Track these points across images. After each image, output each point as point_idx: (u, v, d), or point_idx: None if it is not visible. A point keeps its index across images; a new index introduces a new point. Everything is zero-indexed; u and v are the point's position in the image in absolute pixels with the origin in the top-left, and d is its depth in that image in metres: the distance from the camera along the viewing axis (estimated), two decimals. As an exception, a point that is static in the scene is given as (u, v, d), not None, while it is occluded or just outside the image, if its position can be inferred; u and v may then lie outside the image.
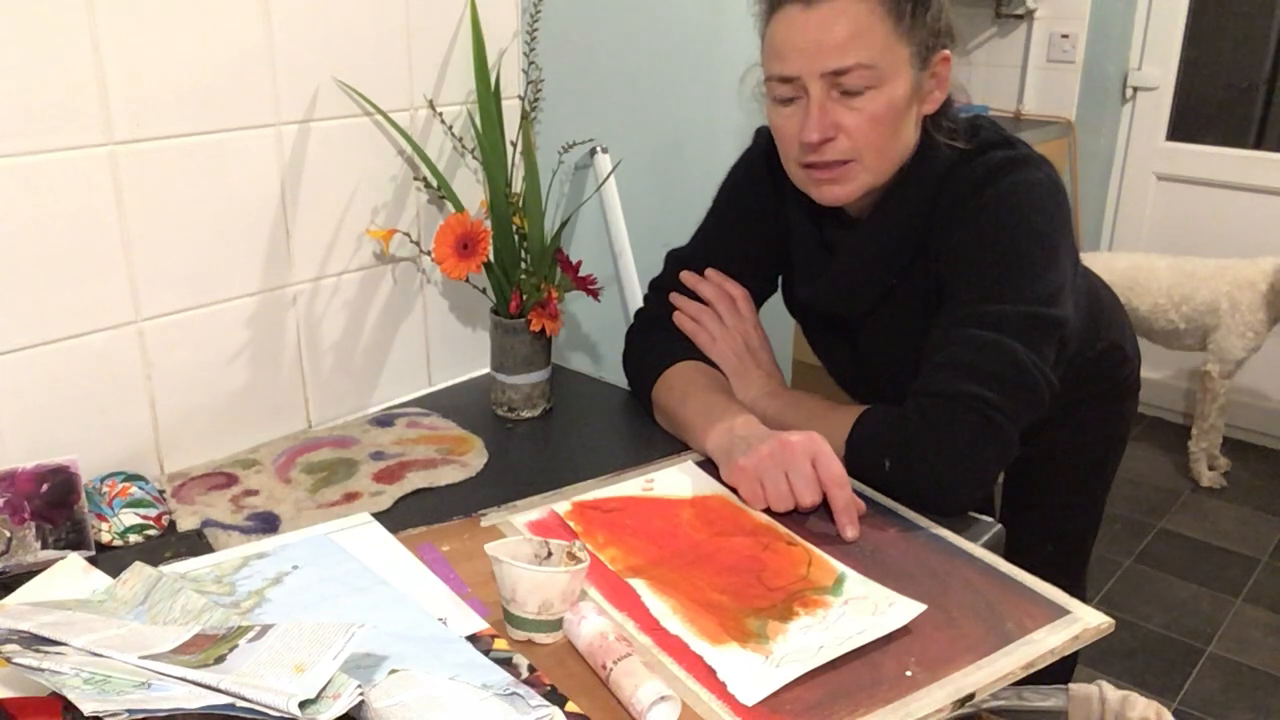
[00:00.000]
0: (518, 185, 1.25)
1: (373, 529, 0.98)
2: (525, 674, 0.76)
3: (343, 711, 0.64)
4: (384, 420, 1.25)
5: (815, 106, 1.02)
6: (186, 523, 1.01)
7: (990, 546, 0.97)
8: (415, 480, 1.09)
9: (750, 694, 0.75)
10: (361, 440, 1.19)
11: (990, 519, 1.02)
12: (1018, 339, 0.99)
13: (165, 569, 0.88)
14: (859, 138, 1.03)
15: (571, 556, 0.82)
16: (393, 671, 0.72)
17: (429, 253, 1.28)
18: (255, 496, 1.06)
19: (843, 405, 1.10)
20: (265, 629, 0.72)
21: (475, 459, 1.15)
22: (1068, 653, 0.82)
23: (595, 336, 1.72)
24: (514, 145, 1.26)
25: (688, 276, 1.26)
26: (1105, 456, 1.39)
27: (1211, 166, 3.09)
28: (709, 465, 1.10)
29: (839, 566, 0.92)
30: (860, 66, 1.00)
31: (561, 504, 1.03)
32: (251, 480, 1.09)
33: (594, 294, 1.27)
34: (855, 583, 0.89)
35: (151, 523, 0.99)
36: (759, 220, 1.25)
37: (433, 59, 1.27)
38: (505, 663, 0.77)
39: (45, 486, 0.94)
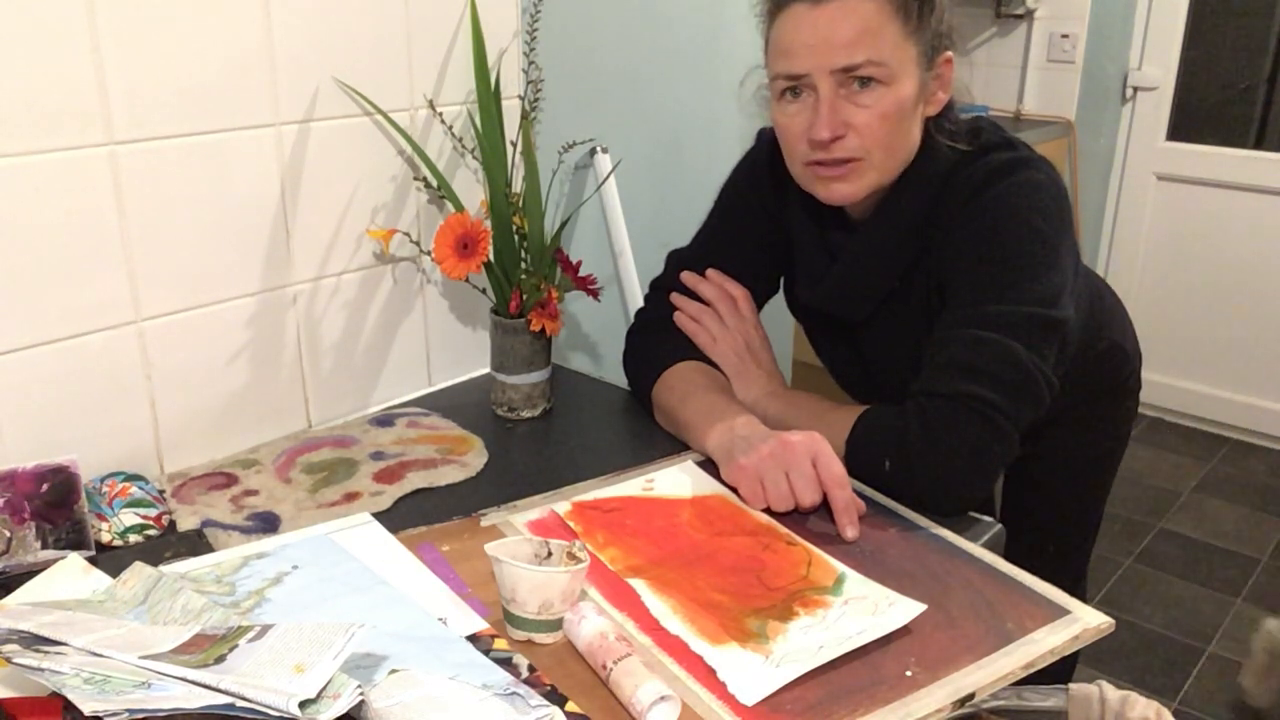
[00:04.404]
0: (518, 185, 1.25)
1: (373, 529, 0.98)
2: (525, 674, 0.76)
3: (343, 711, 0.64)
4: (384, 420, 1.25)
5: (825, 104, 1.02)
6: (186, 523, 1.01)
7: (990, 546, 0.97)
8: (415, 480, 1.09)
9: (750, 694, 0.75)
10: (361, 440, 1.19)
11: (990, 519, 1.02)
12: (1018, 339, 0.99)
13: (165, 569, 0.88)
14: (868, 135, 1.03)
15: (571, 556, 0.82)
16: (393, 671, 0.72)
17: (429, 253, 1.28)
18: (255, 496, 1.06)
19: (843, 405, 1.10)
20: (265, 629, 0.72)
21: (475, 459, 1.15)
22: (1068, 653, 0.82)
23: (595, 336, 1.72)
24: (514, 145, 1.26)
25: (688, 277, 1.26)
26: (1106, 456, 1.39)
27: (1211, 166, 3.09)
28: (709, 465, 1.10)
29: (839, 566, 0.92)
30: (871, 63, 1.00)
31: (561, 504, 1.03)
32: (251, 480, 1.09)
33: (594, 294, 1.27)
34: (855, 583, 0.89)
35: (151, 523, 0.99)
36: (761, 221, 1.24)
37: (433, 59, 1.27)
38: (505, 663, 0.77)
39: (45, 486, 0.94)
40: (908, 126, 1.05)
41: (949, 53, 1.07)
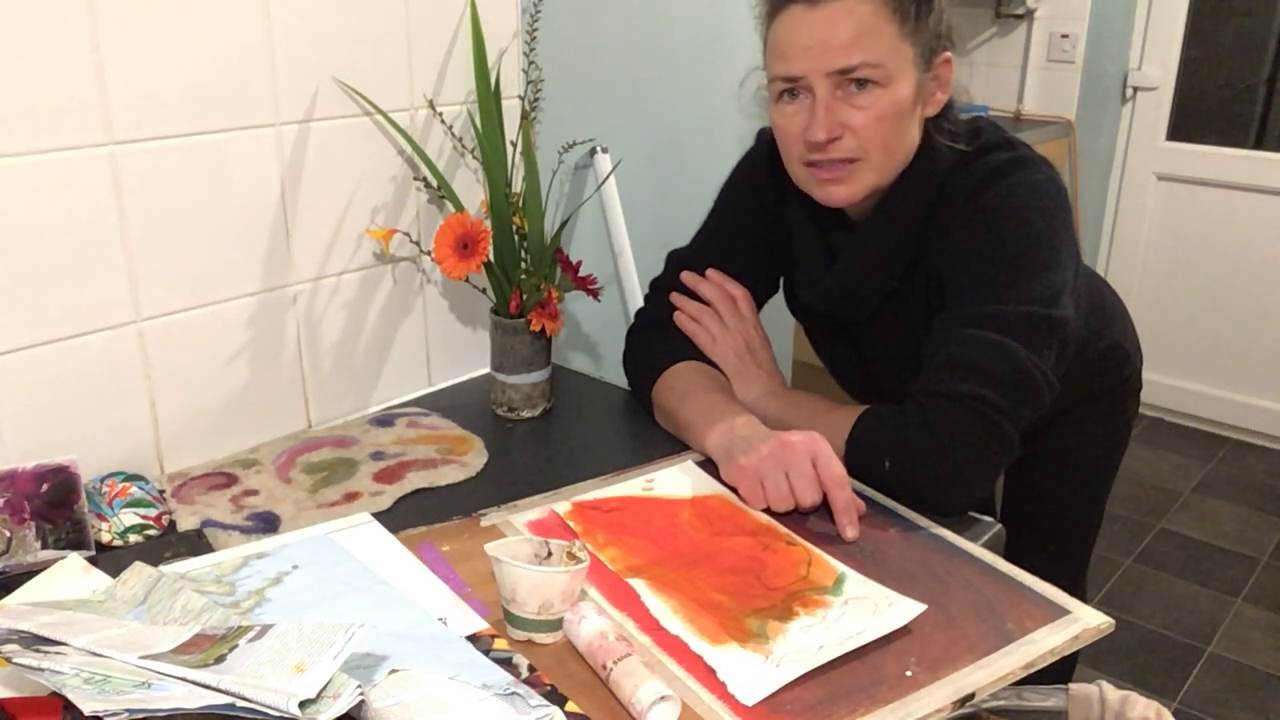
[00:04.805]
0: (518, 185, 1.25)
1: (373, 529, 0.98)
2: (525, 674, 0.77)
3: (343, 711, 0.64)
4: (384, 420, 1.25)
5: (821, 106, 1.02)
6: (186, 523, 1.01)
7: (990, 546, 0.97)
8: (415, 480, 1.09)
9: (750, 694, 0.75)
10: (361, 440, 1.19)
11: (990, 519, 1.02)
12: (1018, 339, 0.99)
13: (165, 569, 0.88)
14: (865, 136, 1.03)
15: (571, 556, 0.82)
16: (393, 671, 0.72)
17: (429, 253, 1.28)
18: (255, 496, 1.06)
19: (843, 405, 1.10)
20: (265, 629, 0.72)
21: (475, 459, 1.15)
22: (1068, 653, 0.82)
23: (595, 336, 1.72)
24: (514, 145, 1.26)
25: (688, 277, 1.26)
26: (1106, 457, 1.39)
27: (1211, 166, 3.09)
28: (709, 465, 1.10)
29: (839, 566, 0.92)
30: (867, 65, 1.00)
31: (561, 504, 1.03)
32: (251, 480, 1.09)
33: (594, 294, 1.27)
34: (855, 583, 0.89)
35: (151, 523, 0.99)
36: (760, 221, 1.24)
37: (433, 59, 1.27)
38: (505, 663, 0.77)
39: (45, 486, 0.94)
40: (905, 127, 1.05)
41: (947, 53, 1.07)
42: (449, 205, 1.26)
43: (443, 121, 1.29)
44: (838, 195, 1.08)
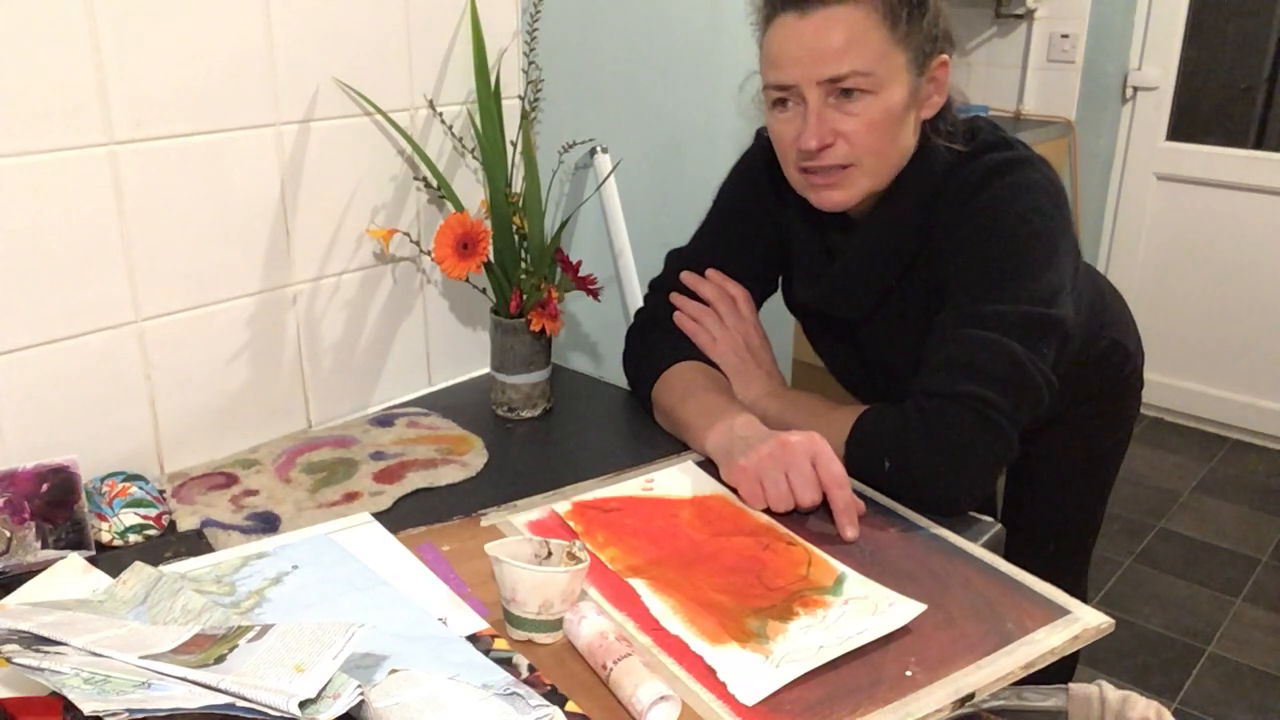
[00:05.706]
0: (518, 185, 1.25)
1: (373, 529, 0.98)
2: (525, 674, 0.77)
3: (343, 711, 0.64)
4: (384, 420, 1.25)
5: (812, 114, 1.03)
6: (186, 523, 1.01)
7: (990, 546, 0.97)
8: (415, 480, 1.09)
9: (750, 694, 0.75)
10: (361, 440, 1.19)
11: (990, 519, 1.02)
12: (1017, 339, 0.99)
13: (165, 569, 0.88)
14: (858, 143, 1.03)
15: (571, 556, 0.82)
16: (393, 671, 0.72)
17: (429, 253, 1.28)
18: (255, 496, 1.06)
19: (843, 405, 1.10)
20: (265, 629, 0.72)
21: (475, 459, 1.15)
22: (1068, 653, 0.82)
23: (595, 336, 1.72)
24: (514, 145, 1.26)
25: (688, 277, 1.26)
26: (1108, 455, 1.39)
27: (1211, 166, 3.09)
28: (709, 465, 1.10)
29: (839, 566, 0.92)
30: (856, 73, 1.00)
31: (561, 504, 1.03)
32: (251, 480, 1.09)
33: (594, 294, 1.27)
34: (855, 583, 0.89)
35: (151, 523, 0.99)
36: (759, 221, 1.25)
37: (433, 59, 1.27)
38: (505, 663, 0.77)
39: (45, 486, 0.94)
40: (898, 132, 1.05)
41: (944, 56, 1.07)
42: (449, 205, 1.26)
43: (443, 121, 1.29)
44: (832, 200, 1.08)
